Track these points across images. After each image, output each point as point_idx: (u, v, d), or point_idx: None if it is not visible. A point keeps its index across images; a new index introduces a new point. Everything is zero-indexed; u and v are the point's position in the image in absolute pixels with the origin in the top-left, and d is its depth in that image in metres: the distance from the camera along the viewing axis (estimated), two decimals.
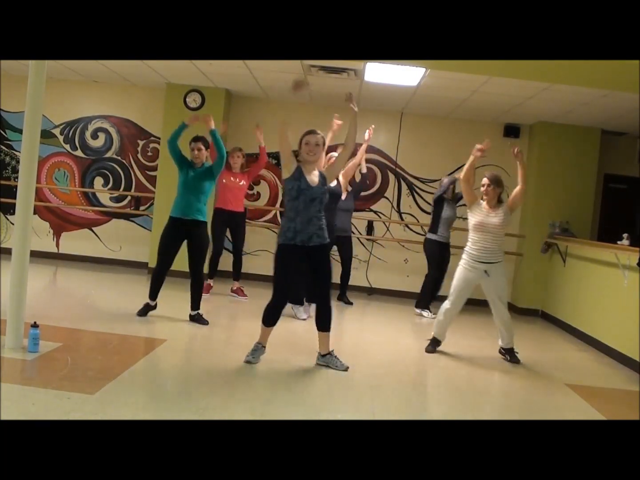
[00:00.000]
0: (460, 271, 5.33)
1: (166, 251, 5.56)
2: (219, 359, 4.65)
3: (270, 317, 4.53)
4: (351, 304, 7.63)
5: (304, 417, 3.50)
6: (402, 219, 8.74)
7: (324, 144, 4.50)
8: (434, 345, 5.49)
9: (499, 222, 5.27)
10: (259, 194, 8.83)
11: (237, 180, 7.15)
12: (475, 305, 8.60)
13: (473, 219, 5.32)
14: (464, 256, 5.36)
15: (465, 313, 7.97)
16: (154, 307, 5.71)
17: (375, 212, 8.78)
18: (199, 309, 5.64)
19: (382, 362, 5.02)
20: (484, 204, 5.41)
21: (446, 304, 5.44)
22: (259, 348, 4.58)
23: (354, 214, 8.75)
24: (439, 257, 7.20)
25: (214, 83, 8.00)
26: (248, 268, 8.37)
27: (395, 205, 8.76)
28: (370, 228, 8.73)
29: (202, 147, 5.58)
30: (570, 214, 8.13)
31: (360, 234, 8.77)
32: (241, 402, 3.69)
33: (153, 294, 5.68)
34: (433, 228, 7.21)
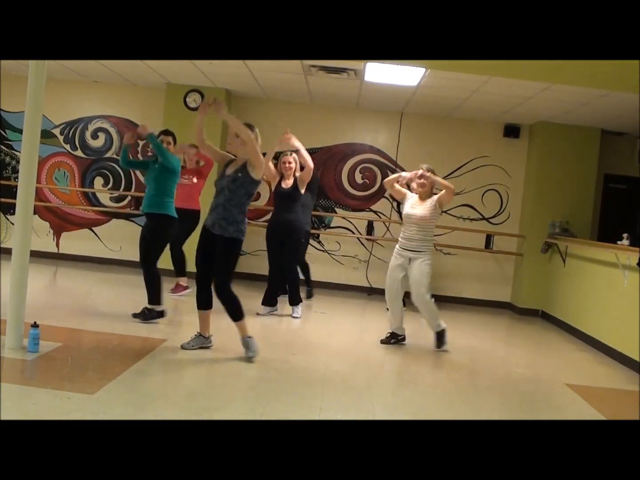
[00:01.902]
0: (390, 263, 5.64)
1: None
2: (218, 358, 4.65)
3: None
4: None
5: (304, 417, 3.50)
6: (402, 219, 8.73)
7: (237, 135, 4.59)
8: (391, 337, 5.67)
9: (424, 214, 5.46)
10: (259, 194, 8.83)
11: (190, 177, 6.94)
12: (474, 305, 8.61)
13: (403, 210, 5.63)
14: (396, 247, 5.63)
15: (465, 313, 7.99)
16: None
17: (375, 212, 8.78)
18: (149, 304, 5.49)
19: (382, 362, 5.02)
20: (416, 196, 5.61)
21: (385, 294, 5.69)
22: (245, 341, 4.65)
23: (354, 214, 8.78)
24: None
25: (214, 83, 8.00)
26: (248, 268, 8.38)
27: (395, 205, 8.75)
28: (370, 228, 8.74)
29: (171, 142, 5.74)
30: (570, 214, 8.14)
31: (360, 234, 8.77)
32: (241, 402, 3.69)
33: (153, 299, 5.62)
34: None
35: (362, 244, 8.79)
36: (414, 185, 5.88)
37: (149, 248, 5.50)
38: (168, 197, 5.54)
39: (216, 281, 4.60)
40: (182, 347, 4.69)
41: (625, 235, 6.45)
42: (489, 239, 8.60)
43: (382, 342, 5.61)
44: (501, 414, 4.02)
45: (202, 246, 4.63)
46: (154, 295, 5.49)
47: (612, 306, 6.15)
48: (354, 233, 8.79)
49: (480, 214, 8.68)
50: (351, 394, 4.09)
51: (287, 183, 6.35)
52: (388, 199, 8.76)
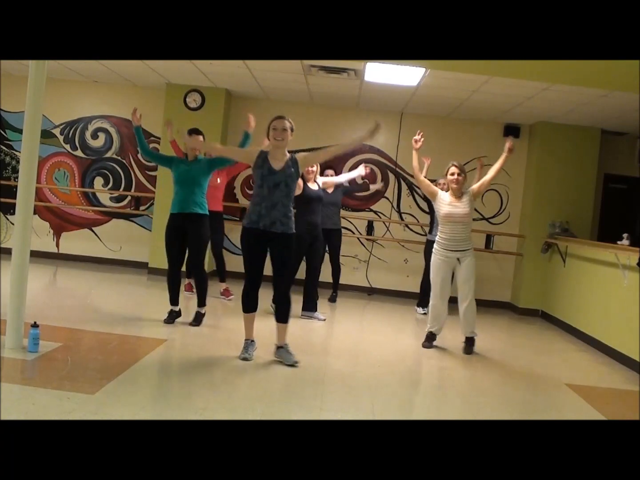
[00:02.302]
0: (436, 263, 5.43)
1: (169, 250, 5.48)
2: (218, 359, 4.65)
3: (244, 303, 4.61)
4: (334, 301, 7.62)
5: (304, 417, 3.50)
6: (402, 219, 8.74)
7: (291, 129, 4.62)
8: (430, 340, 5.60)
9: (466, 211, 5.38)
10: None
11: (214, 178, 7.01)
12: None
13: (441, 210, 5.42)
14: (436, 247, 5.46)
15: None
16: (179, 313, 5.63)
17: (375, 212, 8.77)
18: (202, 305, 5.57)
19: (382, 362, 5.02)
20: (448, 194, 5.49)
21: (431, 300, 5.52)
22: (249, 344, 4.63)
23: (355, 213, 8.77)
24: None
25: (214, 83, 8.00)
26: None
27: (395, 205, 8.76)
28: (370, 228, 8.73)
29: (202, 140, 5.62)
30: (570, 214, 8.14)
31: (360, 234, 8.77)
32: (241, 402, 3.69)
33: (173, 300, 5.58)
34: (430, 229, 7.44)
35: (362, 244, 8.79)
36: (441, 181, 5.88)
37: (201, 249, 5.50)
38: (204, 197, 5.52)
39: (285, 282, 4.55)
40: (245, 359, 4.56)
41: (625, 235, 6.45)
42: (489, 238, 8.60)
43: (425, 346, 5.56)
44: (501, 414, 4.02)
45: (255, 248, 4.46)
46: (204, 297, 5.58)
47: (612, 306, 6.15)
48: (354, 233, 8.79)
49: (480, 214, 8.67)
50: (351, 394, 4.09)
51: (314, 185, 6.45)
52: (388, 199, 8.76)
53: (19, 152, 4.92)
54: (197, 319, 5.56)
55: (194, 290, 6.84)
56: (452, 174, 5.43)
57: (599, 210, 8.64)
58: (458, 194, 5.43)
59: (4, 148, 8.88)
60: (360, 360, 5.04)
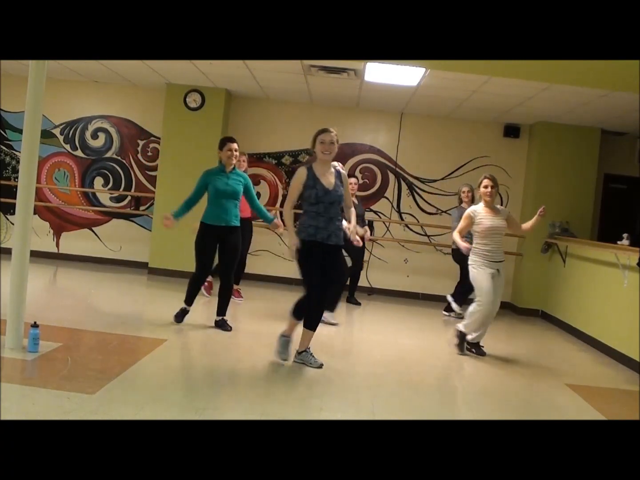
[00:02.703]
0: (482, 274, 5.35)
1: (202, 258, 5.46)
2: (219, 359, 4.65)
3: (301, 312, 4.58)
4: (359, 304, 7.64)
5: (304, 417, 3.50)
6: (402, 219, 8.74)
7: (337, 141, 4.59)
8: (477, 347, 5.58)
9: (505, 224, 5.44)
10: (259, 194, 8.82)
11: None
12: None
13: (483, 224, 5.37)
14: (477, 259, 5.37)
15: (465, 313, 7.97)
16: (187, 312, 5.64)
17: (375, 212, 8.77)
18: (224, 314, 5.56)
19: (382, 362, 5.02)
20: (481, 207, 5.46)
21: (477, 308, 5.40)
22: (286, 340, 4.60)
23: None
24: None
25: (214, 83, 8.00)
26: (248, 268, 8.37)
27: (395, 205, 8.76)
28: (370, 228, 8.73)
29: (237, 148, 5.48)
30: (570, 214, 8.14)
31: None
32: (241, 402, 3.69)
33: (190, 299, 5.57)
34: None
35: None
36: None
37: (236, 260, 5.55)
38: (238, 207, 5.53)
39: (338, 290, 4.63)
40: (282, 359, 4.58)
41: (625, 235, 6.45)
42: None
43: (480, 353, 5.56)
44: (501, 414, 4.02)
45: (319, 260, 4.45)
46: (226, 306, 5.58)
47: (612, 306, 6.15)
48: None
49: None
50: (351, 394, 4.09)
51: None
52: (388, 199, 8.76)
53: (19, 152, 4.92)
54: (223, 326, 5.52)
55: (210, 293, 6.86)
56: (486, 187, 5.41)
57: (599, 210, 8.64)
58: (491, 206, 5.43)
59: (4, 148, 8.89)
60: (360, 360, 5.04)
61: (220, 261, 5.59)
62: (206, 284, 6.76)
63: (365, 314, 7.55)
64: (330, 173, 4.53)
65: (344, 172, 4.73)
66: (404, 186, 8.77)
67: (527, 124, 8.52)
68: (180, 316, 5.55)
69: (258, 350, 4.93)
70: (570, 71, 5.78)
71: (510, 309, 8.57)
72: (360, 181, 8.76)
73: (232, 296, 7.01)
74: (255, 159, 8.77)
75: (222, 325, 5.50)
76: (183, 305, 5.58)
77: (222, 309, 5.53)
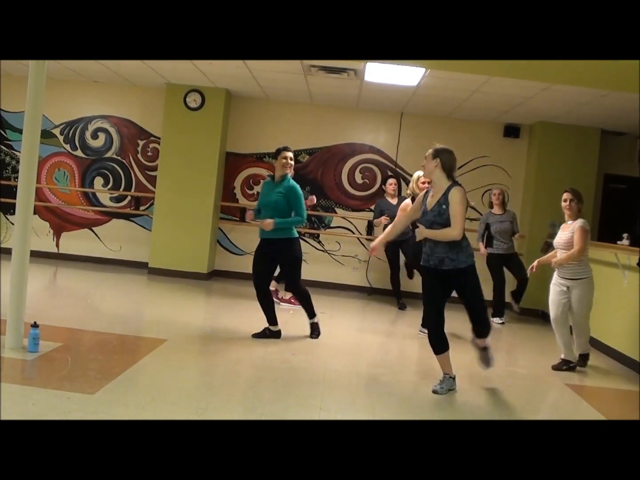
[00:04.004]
0: (551, 287, 5.45)
1: (255, 270, 5.37)
2: (219, 359, 4.65)
3: (436, 342, 4.34)
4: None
5: (304, 417, 3.50)
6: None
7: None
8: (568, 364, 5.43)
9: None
10: (258, 194, 8.81)
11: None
12: None
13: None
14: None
15: (465, 313, 7.97)
16: (278, 334, 5.43)
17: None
18: (312, 317, 5.56)
19: (382, 362, 5.02)
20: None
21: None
22: (447, 379, 4.35)
23: (355, 213, 8.78)
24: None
25: (214, 83, 8.00)
26: (247, 268, 8.37)
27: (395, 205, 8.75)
28: (370, 228, 8.73)
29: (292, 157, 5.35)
30: None
31: (360, 234, 8.78)
32: (241, 402, 3.69)
33: (271, 319, 5.41)
34: (489, 242, 7.55)
35: (362, 244, 8.79)
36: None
37: (292, 270, 5.46)
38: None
39: (479, 307, 4.38)
40: (434, 392, 4.26)
41: (625, 235, 6.45)
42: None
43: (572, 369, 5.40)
44: (501, 414, 4.02)
45: (434, 284, 4.27)
46: (307, 310, 5.59)
47: (612, 306, 6.15)
48: (354, 233, 8.79)
49: (481, 214, 8.65)
50: (351, 394, 4.09)
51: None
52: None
53: (19, 152, 4.92)
54: (314, 331, 5.56)
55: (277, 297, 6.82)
56: (565, 200, 5.26)
57: (599, 210, 8.63)
58: (569, 220, 5.25)
59: (4, 148, 8.88)
60: (360, 360, 5.04)
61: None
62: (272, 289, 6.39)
63: (365, 314, 7.55)
64: (438, 194, 4.22)
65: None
66: (404, 186, 8.76)
67: (527, 124, 8.52)
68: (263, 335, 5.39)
69: (258, 350, 4.93)
70: (570, 71, 5.79)
71: (510, 309, 8.56)
72: (360, 181, 8.78)
73: (289, 302, 6.92)
74: (255, 159, 8.77)
75: (313, 329, 5.57)
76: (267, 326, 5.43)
77: (308, 313, 5.56)
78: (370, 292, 8.66)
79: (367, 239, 8.74)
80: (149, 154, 8.80)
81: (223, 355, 4.74)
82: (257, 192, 8.80)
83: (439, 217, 4.13)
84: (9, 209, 8.42)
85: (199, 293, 7.51)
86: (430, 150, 4.22)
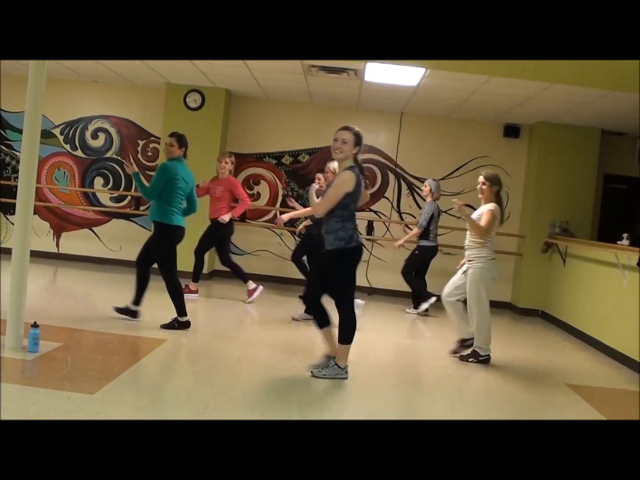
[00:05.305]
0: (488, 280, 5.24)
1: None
2: (218, 359, 4.65)
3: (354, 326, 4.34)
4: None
5: (304, 417, 3.50)
6: (402, 219, 8.73)
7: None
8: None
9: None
10: (258, 194, 8.83)
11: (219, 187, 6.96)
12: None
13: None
14: (490, 261, 5.18)
15: (464, 313, 7.97)
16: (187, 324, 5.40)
17: (375, 212, 8.77)
18: (181, 314, 5.34)
19: (382, 362, 5.02)
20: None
21: (486, 320, 5.27)
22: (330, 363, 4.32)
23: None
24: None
25: (214, 83, 8.00)
26: (247, 268, 8.37)
27: (395, 205, 8.76)
28: (370, 228, 8.73)
29: (174, 143, 5.35)
30: (570, 214, 8.14)
31: (360, 234, 8.76)
32: (241, 402, 3.69)
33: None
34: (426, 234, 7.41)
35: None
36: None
37: (160, 258, 5.39)
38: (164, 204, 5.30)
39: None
40: (313, 375, 4.26)
41: (625, 235, 6.45)
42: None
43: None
44: (501, 414, 4.02)
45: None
46: (177, 305, 5.42)
47: (612, 306, 6.15)
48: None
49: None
50: (351, 394, 4.09)
51: None
52: (388, 199, 8.76)
53: (19, 152, 4.91)
54: (173, 326, 5.35)
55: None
56: (478, 184, 5.25)
57: (599, 210, 8.63)
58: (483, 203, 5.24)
59: (4, 148, 8.88)
60: (360, 360, 5.04)
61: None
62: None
63: (366, 314, 7.55)
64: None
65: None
66: (404, 186, 8.77)
67: (527, 124, 8.52)
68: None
69: (258, 350, 4.93)
70: (570, 71, 5.79)
71: (510, 309, 8.57)
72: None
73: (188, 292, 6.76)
74: (255, 159, 8.77)
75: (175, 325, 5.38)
76: None
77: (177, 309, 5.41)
78: (370, 292, 8.66)
79: (367, 239, 8.74)
80: (149, 154, 8.80)
81: (223, 355, 4.74)
82: (258, 192, 8.81)
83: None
84: (9, 209, 8.42)
85: (202, 294, 7.51)
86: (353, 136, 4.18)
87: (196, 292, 6.93)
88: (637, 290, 5.58)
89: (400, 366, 5.02)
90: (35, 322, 4.13)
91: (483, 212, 5.14)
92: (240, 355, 4.75)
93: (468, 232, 5.23)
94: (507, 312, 8.43)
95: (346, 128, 4.21)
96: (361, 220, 8.70)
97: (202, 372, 4.34)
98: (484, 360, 5.16)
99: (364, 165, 8.74)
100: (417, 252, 7.45)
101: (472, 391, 4.56)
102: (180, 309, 5.32)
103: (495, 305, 8.54)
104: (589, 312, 6.72)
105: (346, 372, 4.25)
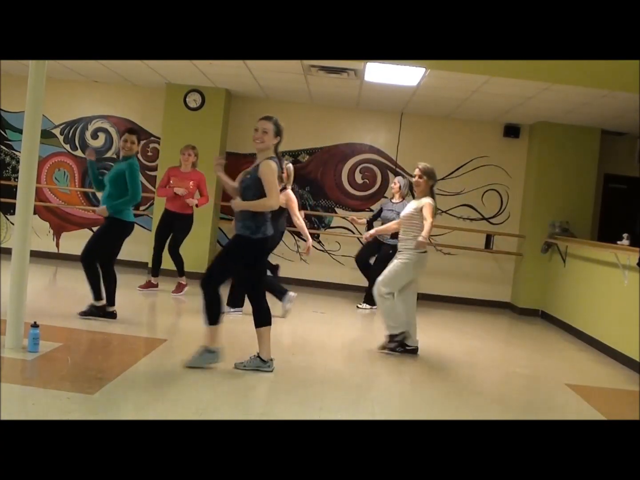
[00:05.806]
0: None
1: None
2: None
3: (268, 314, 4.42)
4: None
5: (304, 417, 3.50)
6: None
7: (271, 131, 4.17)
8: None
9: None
10: None
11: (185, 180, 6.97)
12: (474, 305, 8.61)
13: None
14: (418, 253, 5.15)
15: (465, 313, 7.98)
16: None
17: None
18: (110, 304, 5.47)
19: (382, 362, 5.01)
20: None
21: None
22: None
23: (354, 213, 8.77)
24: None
25: (214, 83, 8.00)
26: None
27: None
28: (370, 228, 8.71)
29: (135, 141, 5.45)
30: (570, 214, 8.13)
31: (360, 234, 8.77)
32: (241, 402, 3.69)
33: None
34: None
35: (361, 243, 8.78)
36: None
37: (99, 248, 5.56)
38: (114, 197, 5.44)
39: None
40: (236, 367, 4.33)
41: (625, 235, 6.45)
42: (489, 239, 8.59)
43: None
44: (501, 414, 4.02)
45: None
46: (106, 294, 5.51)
47: (612, 306, 6.15)
48: (354, 233, 8.78)
49: (480, 214, 8.67)
50: (351, 394, 4.09)
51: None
52: (388, 199, 8.75)
53: (19, 152, 4.91)
54: (92, 312, 5.42)
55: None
56: (414, 177, 5.30)
57: (599, 210, 8.64)
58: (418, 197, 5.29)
59: (4, 148, 8.88)
60: (360, 360, 5.04)
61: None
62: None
63: (365, 314, 7.55)
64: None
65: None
66: None
67: (527, 124, 8.52)
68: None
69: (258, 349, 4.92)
70: (570, 71, 5.79)
71: (510, 309, 8.57)
72: (360, 181, 8.77)
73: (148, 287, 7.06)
74: (250, 158, 8.76)
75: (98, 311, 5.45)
76: None
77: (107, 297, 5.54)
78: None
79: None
80: (149, 154, 8.80)
81: (223, 355, 4.74)
82: None
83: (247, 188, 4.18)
84: (9, 209, 8.42)
85: (198, 293, 7.49)
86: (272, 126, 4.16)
87: (185, 285, 7.05)
88: (637, 290, 5.58)
89: (400, 366, 5.01)
90: (35, 322, 4.13)
91: (422, 205, 5.11)
92: (240, 355, 4.73)
93: (402, 227, 5.22)
94: (507, 312, 8.44)
95: (267, 118, 4.18)
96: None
97: (202, 372, 4.33)
98: (401, 346, 5.17)
99: (363, 165, 8.82)
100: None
101: (472, 391, 4.55)
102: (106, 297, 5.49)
103: (495, 305, 8.60)
104: (589, 312, 6.72)
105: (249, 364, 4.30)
